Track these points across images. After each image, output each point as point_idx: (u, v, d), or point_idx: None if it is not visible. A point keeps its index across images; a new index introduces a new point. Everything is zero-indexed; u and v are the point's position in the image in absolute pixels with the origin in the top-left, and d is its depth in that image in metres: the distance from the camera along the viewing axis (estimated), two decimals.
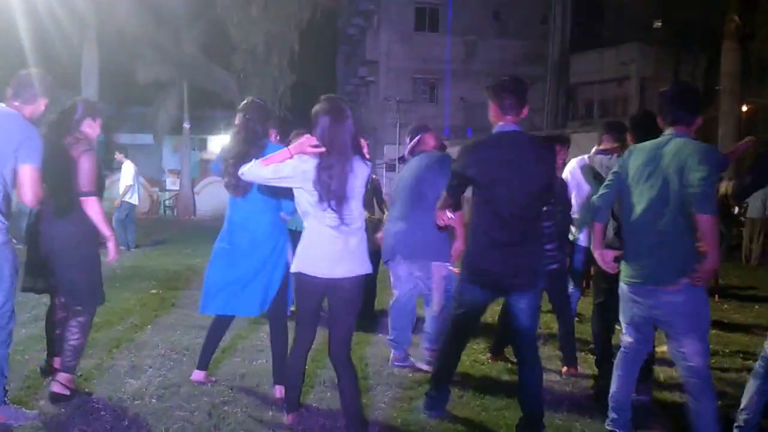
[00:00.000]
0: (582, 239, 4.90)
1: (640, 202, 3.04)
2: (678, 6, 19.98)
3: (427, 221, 3.97)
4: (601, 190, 3.24)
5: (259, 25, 20.37)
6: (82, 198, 3.53)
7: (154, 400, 3.63)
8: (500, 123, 3.31)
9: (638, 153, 3.11)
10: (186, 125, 21.33)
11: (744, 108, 17.67)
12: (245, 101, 3.80)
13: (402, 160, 4.76)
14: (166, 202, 22.56)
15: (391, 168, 22.40)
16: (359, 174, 3.04)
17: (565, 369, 4.40)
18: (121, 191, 10.74)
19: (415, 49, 27.90)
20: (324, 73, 33.85)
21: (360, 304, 3.17)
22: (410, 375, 4.28)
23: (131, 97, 21.80)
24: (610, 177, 3.24)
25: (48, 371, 3.87)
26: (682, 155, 2.90)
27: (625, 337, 3.22)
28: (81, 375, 3.93)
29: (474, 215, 3.36)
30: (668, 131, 3.06)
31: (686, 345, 2.97)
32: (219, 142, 20.06)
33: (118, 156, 11.04)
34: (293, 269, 3.11)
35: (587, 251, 4.78)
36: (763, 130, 14.68)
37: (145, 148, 23.42)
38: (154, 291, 7.06)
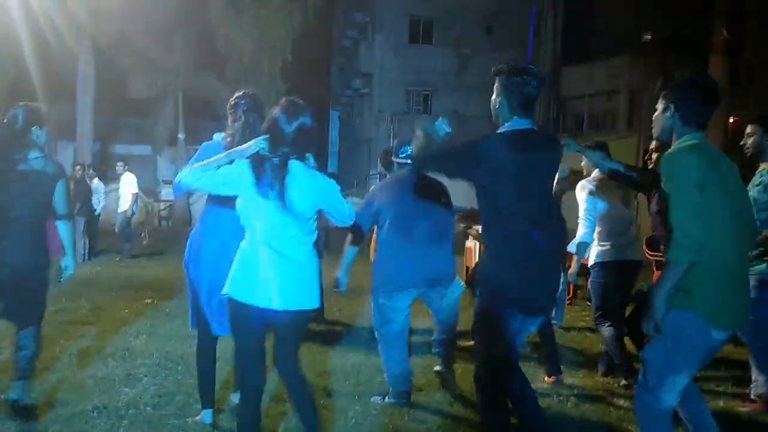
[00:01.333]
0: (607, 256, 4.65)
1: None
2: (666, 19, 20.25)
3: (446, 243, 3.97)
4: None
5: (251, 35, 20.48)
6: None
7: (149, 409, 3.67)
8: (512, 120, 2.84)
9: None
10: (180, 136, 21.39)
11: (731, 120, 17.88)
12: (241, 92, 3.33)
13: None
14: (161, 213, 22.58)
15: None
16: None
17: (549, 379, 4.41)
18: (128, 201, 10.84)
19: (409, 62, 28.12)
20: (317, 84, 34.01)
21: None
22: None
23: (127, 107, 21.88)
24: None
25: None
26: None
27: None
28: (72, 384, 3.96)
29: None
30: None
31: None
32: None
33: (120, 167, 11.14)
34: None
35: (617, 265, 4.59)
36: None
37: (141, 158, 23.46)
38: (148, 301, 7.08)
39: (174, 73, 20.34)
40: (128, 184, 11.00)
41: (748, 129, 3.94)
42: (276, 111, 2.76)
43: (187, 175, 2.74)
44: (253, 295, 2.66)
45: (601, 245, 4.56)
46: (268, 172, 2.67)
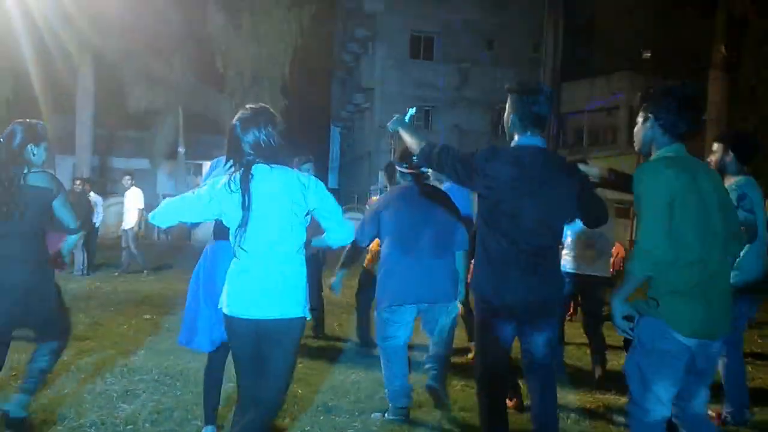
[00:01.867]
0: (569, 266, 4.95)
1: None
2: (666, 36, 20.41)
3: (448, 256, 3.96)
4: None
5: (251, 50, 20.62)
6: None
7: (147, 425, 3.65)
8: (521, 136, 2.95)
9: None
10: (181, 150, 21.46)
11: None
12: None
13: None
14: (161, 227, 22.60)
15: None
16: None
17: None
18: (135, 217, 10.79)
19: (410, 76, 28.28)
20: (318, 98, 34.19)
21: None
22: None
23: (126, 121, 21.96)
24: None
25: None
26: None
27: None
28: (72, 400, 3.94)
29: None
30: None
31: None
32: None
33: (127, 181, 11.11)
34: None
35: (575, 277, 4.88)
36: None
37: (140, 172, 23.52)
38: (147, 316, 7.04)
39: (174, 88, 20.46)
40: (135, 200, 10.97)
41: (713, 146, 4.00)
42: (234, 119, 2.73)
43: (156, 215, 2.76)
44: (246, 308, 2.64)
45: (563, 255, 4.84)
46: (235, 182, 2.63)
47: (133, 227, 10.86)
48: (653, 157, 2.61)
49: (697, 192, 2.48)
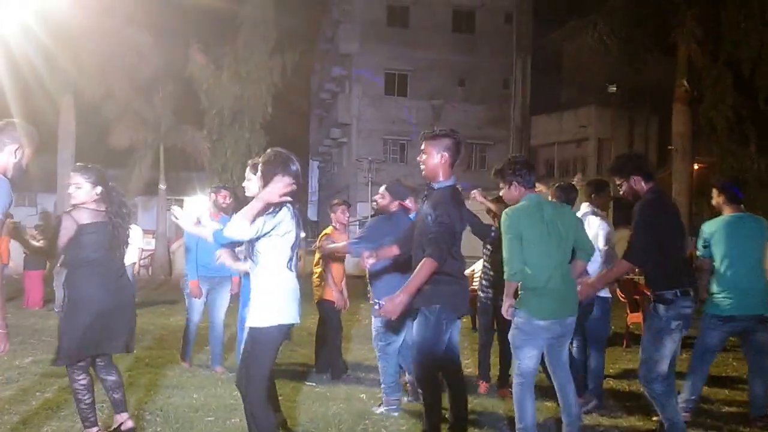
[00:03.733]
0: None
1: None
2: (631, 71, 21.39)
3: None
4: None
5: (232, 89, 21.01)
6: None
7: None
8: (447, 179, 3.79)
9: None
10: (162, 186, 21.60)
11: (695, 166, 18.78)
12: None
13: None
14: (141, 262, 22.58)
15: (363, 225, 22.95)
16: None
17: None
18: (135, 255, 10.50)
19: (386, 112, 28.97)
20: (297, 134, 34.68)
21: None
22: (386, 424, 4.38)
23: (107, 158, 22.04)
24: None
25: None
26: None
27: None
28: None
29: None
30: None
31: None
32: (195, 204, 20.39)
33: None
34: (273, 322, 3.11)
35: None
36: (712, 187, 15.61)
37: None
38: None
39: (155, 126, 20.70)
40: (134, 237, 10.99)
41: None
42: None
43: (228, 231, 3.02)
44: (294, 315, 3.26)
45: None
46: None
47: (134, 263, 10.88)
48: (516, 205, 3.76)
49: (541, 224, 3.66)
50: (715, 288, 4.36)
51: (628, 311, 8.11)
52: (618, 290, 8.19)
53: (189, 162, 22.08)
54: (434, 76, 28.92)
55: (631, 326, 8.15)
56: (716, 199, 4.54)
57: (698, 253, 4.53)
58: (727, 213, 4.46)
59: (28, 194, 24.92)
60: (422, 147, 3.75)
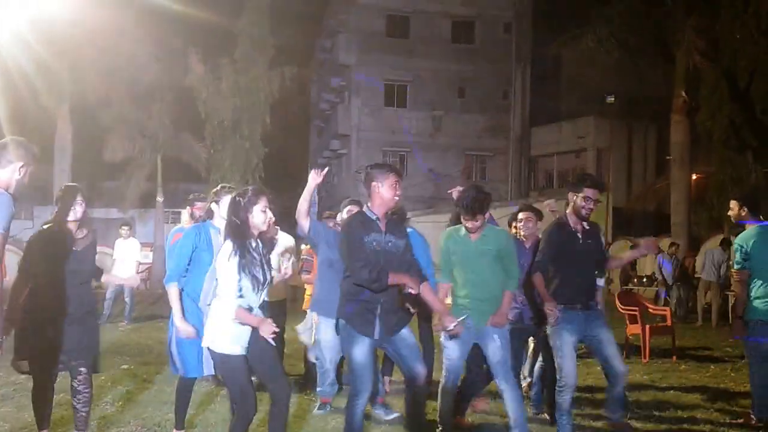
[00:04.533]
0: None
1: None
2: (630, 82, 21.45)
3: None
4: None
5: (231, 100, 21.03)
6: None
7: None
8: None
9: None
10: (159, 199, 21.55)
11: (693, 176, 18.78)
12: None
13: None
14: (140, 275, 22.48)
15: None
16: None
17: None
18: (132, 268, 10.61)
19: (385, 123, 28.99)
20: (296, 145, 34.67)
21: None
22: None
23: (104, 170, 22.01)
24: None
25: None
26: None
27: None
28: None
29: None
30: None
31: None
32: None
33: (125, 231, 10.99)
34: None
35: None
36: (711, 197, 15.61)
37: (118, 221, 23.41)
38: (125, 366, 6.85)
39: (152, 136, 20.68)
40: (132, 251, 10.85)
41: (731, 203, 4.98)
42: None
43: None
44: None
45: None
46: None
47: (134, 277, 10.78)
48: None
49: (462, 249, 4.17)
50: (759, 294, 4.54)
51: (627, 323, 8.06)
52: (618, 302, 8.22)
53: (187, 173, 22.04)
54: (434, 86, 28.96)
55: (630, 338, 8.10)
56: (737, 211, 4.75)
57: (737, 266, 4.73)
58: (751, 224, 4.69)
59: (24, 207, 24.87)
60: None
